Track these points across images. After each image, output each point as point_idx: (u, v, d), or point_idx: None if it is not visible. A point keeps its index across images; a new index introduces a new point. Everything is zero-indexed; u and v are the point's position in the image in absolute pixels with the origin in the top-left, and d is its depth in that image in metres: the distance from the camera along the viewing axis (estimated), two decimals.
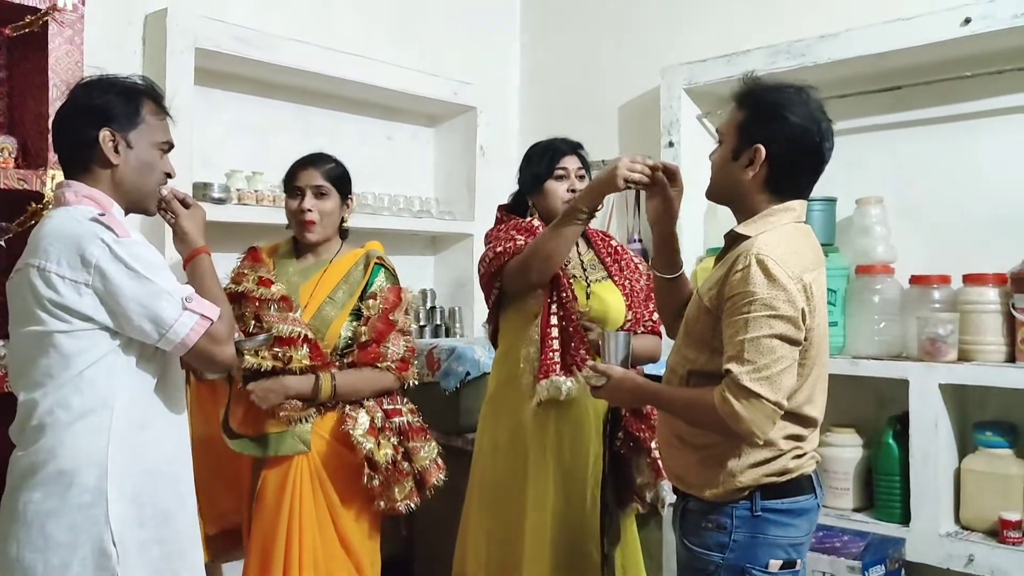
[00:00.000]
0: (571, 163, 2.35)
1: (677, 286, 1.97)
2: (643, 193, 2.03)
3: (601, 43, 3.71)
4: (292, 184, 2.32)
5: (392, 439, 2.21)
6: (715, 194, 1.84)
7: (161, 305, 1.63)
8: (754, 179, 1.72)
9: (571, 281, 2.28)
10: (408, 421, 2.26)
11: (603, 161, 3.60)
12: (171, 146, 1.84)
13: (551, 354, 2.20)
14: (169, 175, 1.83)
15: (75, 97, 1.75)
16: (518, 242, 2.24)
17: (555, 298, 2.24)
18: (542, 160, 2.36)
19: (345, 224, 2.38)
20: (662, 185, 1.90)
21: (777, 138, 1.69)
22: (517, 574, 2.25)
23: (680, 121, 3.19)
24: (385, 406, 2.25)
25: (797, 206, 1.75)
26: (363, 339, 2.23)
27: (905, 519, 2.57)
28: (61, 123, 1.74)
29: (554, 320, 2.22)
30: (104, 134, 1.70)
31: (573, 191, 2.32)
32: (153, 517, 1.69)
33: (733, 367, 1.59)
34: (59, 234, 1.62)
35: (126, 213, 1.76)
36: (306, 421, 2.17)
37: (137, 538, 1.66)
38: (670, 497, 2.36)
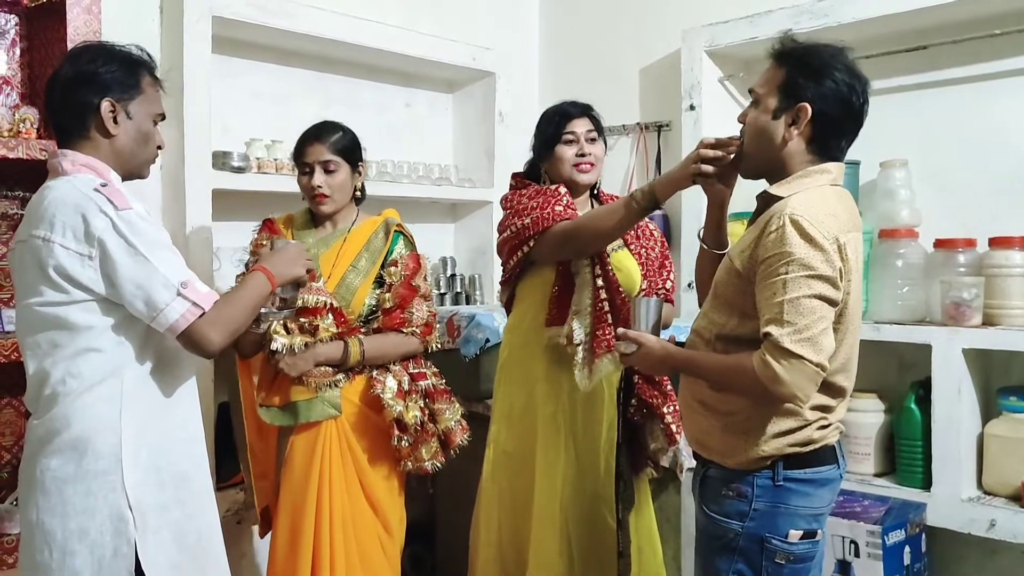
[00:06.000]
0: (580, 126, 2.32)
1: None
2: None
3: (621, 5, 3.65)
4: (301, 160, 2.31)
5: (419, 401, 2.26)
6: (752, 160, 1.77)
7: (155, 287, 1.62)
8: (797, 139, 1.69)
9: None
10: (433, 384, 2.31)
11: (623, 126, 3.58)
12: (163, 117, 1.85)
13: (607, 329, 2.16)
14: (159, 147, 1.84)
15: (76, 65, 1.73)
16: (556, 210, 2.19)
17: (600, 271, 2.20)
18: (551, 125, 2.33)
19: (358, 192, 2.38)
20: (735, 164, 1.83)
21: (823, 96, 1.65)
22: (527, 539, 2.28)
23: (702, 84, 3.15)
24: (411, 370, 2.29)
25: (833, 168, 1.71)
26: (387, 305, 2.26)
27: (927, 484, 2.56)
28: (61, 91, 1.72)
29: (603, 294, 2.19)
30: (105, 105, 1.71)
31: (583, 155, 2.30)
32: (172, 479, 1.73)
33: (773, 329, 1.55)
34: (62, 205, 1.62)
35: (123, 180, 1.77)
36: (336, 386, 2.21)
37: (157, 501, 1.69)
38: (689, 462, 2.37)
